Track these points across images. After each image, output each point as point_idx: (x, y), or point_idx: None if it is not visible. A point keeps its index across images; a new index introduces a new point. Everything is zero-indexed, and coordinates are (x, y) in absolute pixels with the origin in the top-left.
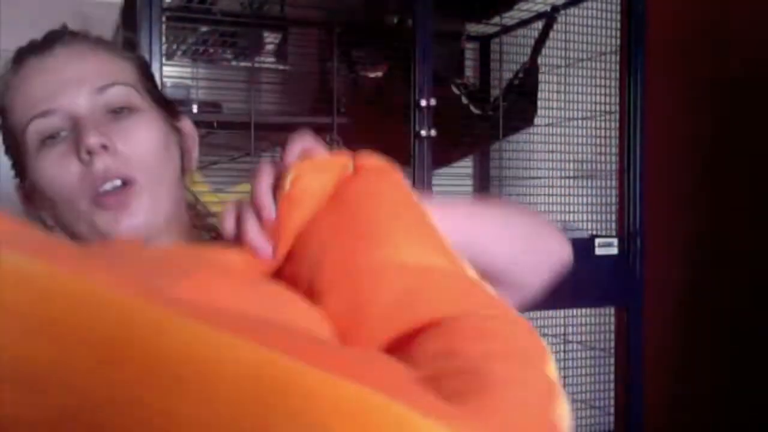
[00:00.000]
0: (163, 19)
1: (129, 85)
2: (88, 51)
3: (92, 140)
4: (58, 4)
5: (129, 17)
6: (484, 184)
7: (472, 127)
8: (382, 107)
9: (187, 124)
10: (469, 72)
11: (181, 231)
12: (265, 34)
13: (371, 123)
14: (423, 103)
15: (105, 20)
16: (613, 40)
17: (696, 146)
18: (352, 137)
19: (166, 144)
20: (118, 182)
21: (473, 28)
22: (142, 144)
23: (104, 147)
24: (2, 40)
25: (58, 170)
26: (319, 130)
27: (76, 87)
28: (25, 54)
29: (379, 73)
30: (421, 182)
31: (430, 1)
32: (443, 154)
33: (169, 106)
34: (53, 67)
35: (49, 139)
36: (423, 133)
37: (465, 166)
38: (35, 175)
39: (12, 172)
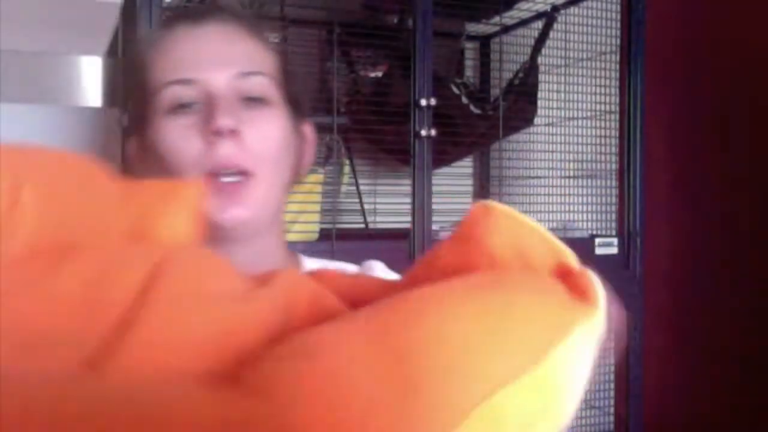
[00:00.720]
0: (163, 18)
1: (270, 77)
2: (239, 34)
3: (224, 122)
4: (58, 3)
5: (129, 17)
6: (484, 184)
7: (472, 127)
8: (382, 107)
9: (308, 129)
10: (469, 72)
11: (277, 234)
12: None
13: (371, 123)
14: (423, 103)
15: (105, 20)
16: (613, 40)
17: (696, 146)
18: (352, 137)
19: (288, 144)
20: (236, 178)
21: (473, 28)
22: (269, 138)
23: (233, 131)
24: (2, 40)
25: (181, 141)
26: (319, 130)
27: (221, 66)
28: (180, 20)
29: (379, 73)
30: (421, 182)
31: (430, 1)
32: (443, 154)
33: (297, 107)
34: (204, 40)
35: (181, 107)
36: (423, 133)
37: (465, 166)
38: (156, 137)
39: None
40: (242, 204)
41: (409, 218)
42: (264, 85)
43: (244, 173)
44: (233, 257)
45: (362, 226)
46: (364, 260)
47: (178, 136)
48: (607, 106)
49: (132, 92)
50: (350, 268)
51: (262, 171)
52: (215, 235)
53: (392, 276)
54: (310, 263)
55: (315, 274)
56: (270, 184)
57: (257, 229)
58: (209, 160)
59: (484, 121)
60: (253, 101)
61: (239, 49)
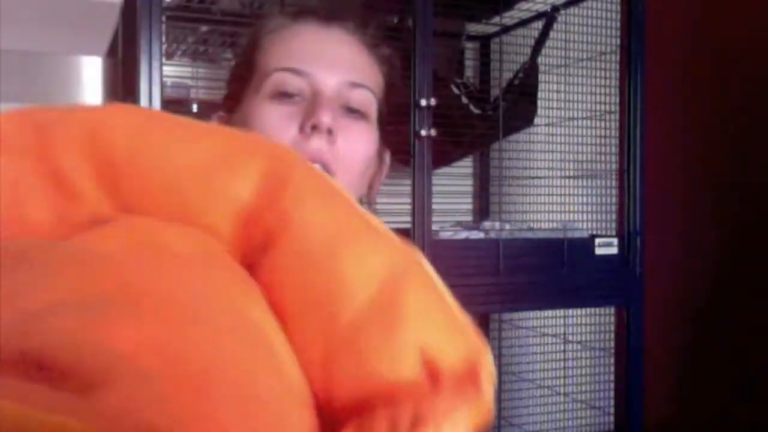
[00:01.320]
0: (163, 18)
1: (374, 95)
2: (359, 46)
3: (325, 119)
4: (58, 3)
5: (129, 17)
6: (484, 184)
7: (472, 127)
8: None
9: (387, 155)
10: (469, 72)
11: None
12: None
13: None
14: (423, 102)
15: (105, 20)
16: (613, 40)
17: (696, 146)
18: None
19: (370, 162)
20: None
21: (473, 28)
22: (357, 151)
23: (330, 131)
24: (2, 40)
25: (277, 127)
26: None
27: (335, 69)
28: (308, 15)
29: None
30: (421, 182)
31: (430, 1)
32: (443, 154)
33: (382, 131)
34: (327, 41)
35: (286, 96)
36: (423, 133)
37: (465, 166)
38: (252, 117)
39: None
40: None
41: (409, 218)
42: (367, 99)
43: (327, 171)
44: None
45: None
46: None
47: (276, 122)
48: (607, 106)
49: (237, 70)
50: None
51: (342, 177)
52: None
53: None
54: None
55: None
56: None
57: None
58: (300, 151)
59: (484, 121)
60: (353, 112)
61: (355, 60)
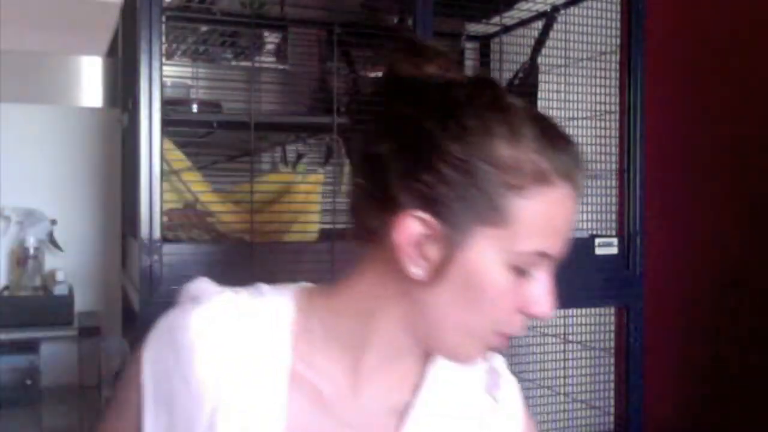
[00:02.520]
0: (163, 18)
1: None
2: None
3: (550, 313)
4: (58, 3)
5: (129, 17)
6: None
7: None
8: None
9: None
10: (469, 72)
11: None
12: (265, 34)
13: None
14: None
15: (105, 20)
16: (613, 40)
17: (696, 146)
18: (352, 137)
19: None
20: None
21: (473, 28)
22: None
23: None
24: (2, 40)
25: (501, 303)
26: (319, 130)
27: (568, 239)
28: (572, 171)
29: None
30: None
31: (430, 1)
32: None
33: None
34: (573, 207)
35: (522, 274)
36: None
37: None
38: (481, 282)
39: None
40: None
41: None
42: None
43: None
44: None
45: None
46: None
47: (505, 299)
48: (607, 106)
49: (461, 207)
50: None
51: None
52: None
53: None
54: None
55: None
56: None
57: None
58: (507, 329)
59: None
60: None
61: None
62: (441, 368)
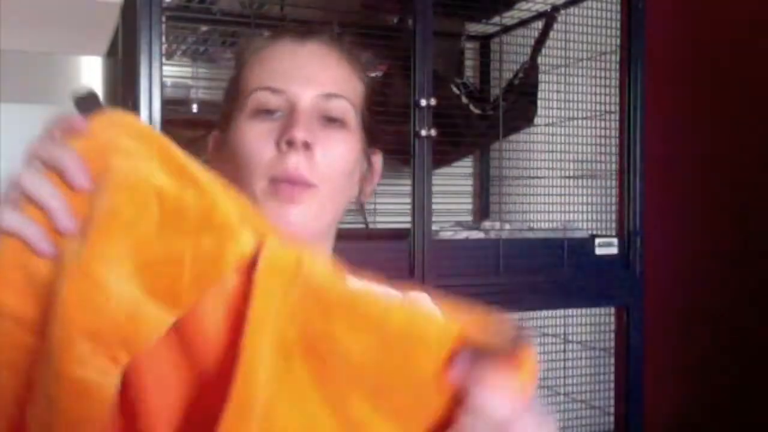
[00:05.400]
0: (163, 18)
1: (351, 104)
2: (335, 59)
3: (299, 135)
4: (58, 3)
5: (129, 17)
6: (484, 184)
7: (472, 127)
8: (382, 107)
9: (377, 160)
10: (469, 72)
11: (325, 250)
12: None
13: None
14: (423, 102)
15: (105, 20)
16: (613, 40)
17: (696, 146)
18: None
19: (354, 167)
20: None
21: (473, 28)
22: (337, 160)
23: (305, 145)
24: (2, 40)
25: (256, 144)
26: None
27: (310, 84)
28: (287, 35)
29: (379, 73)
30: (421, 182)
31: (430, 1)
32: (443, 154)
33: (372, 137)
34: (302, 57)
35: (265, 113)
36: (423, 133)
37: (465, 166)
38: (235, 135)
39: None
40: (300, 210)
41: (409, 218)
42: (345, 109)
43: (306, 185)
44: None
45: (362, 226)
46: (366, 265)
47: (255, 139)
48: (607, 106)
49: (227, 89)
50: (393, 293)
51: (324, 187)
52: None
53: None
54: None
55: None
56: (327, 200)
57: (306, 240)
58: (278, 167)
59: (484, 121)
60: (332, 121)
61: (330, 72)
62: None
